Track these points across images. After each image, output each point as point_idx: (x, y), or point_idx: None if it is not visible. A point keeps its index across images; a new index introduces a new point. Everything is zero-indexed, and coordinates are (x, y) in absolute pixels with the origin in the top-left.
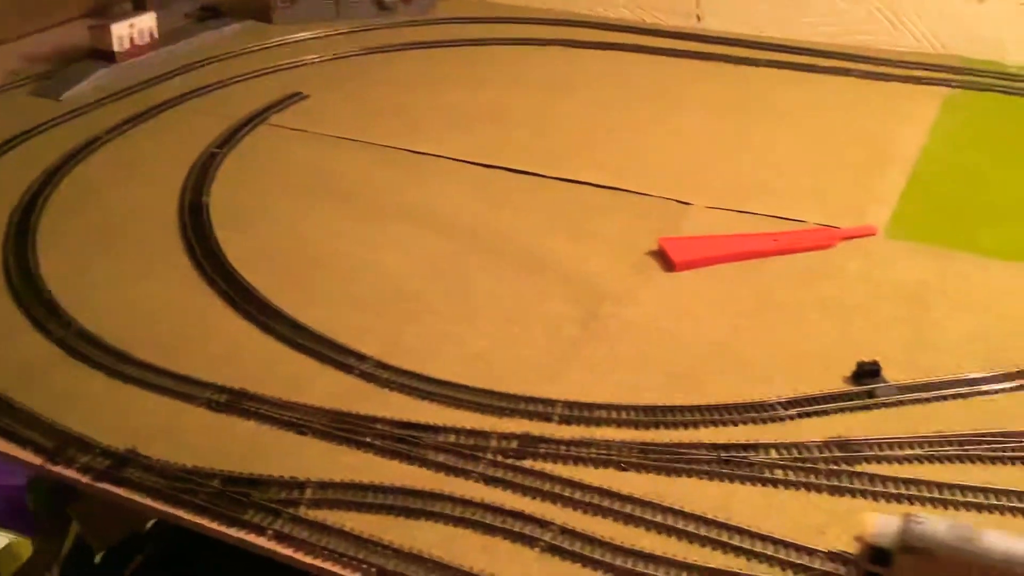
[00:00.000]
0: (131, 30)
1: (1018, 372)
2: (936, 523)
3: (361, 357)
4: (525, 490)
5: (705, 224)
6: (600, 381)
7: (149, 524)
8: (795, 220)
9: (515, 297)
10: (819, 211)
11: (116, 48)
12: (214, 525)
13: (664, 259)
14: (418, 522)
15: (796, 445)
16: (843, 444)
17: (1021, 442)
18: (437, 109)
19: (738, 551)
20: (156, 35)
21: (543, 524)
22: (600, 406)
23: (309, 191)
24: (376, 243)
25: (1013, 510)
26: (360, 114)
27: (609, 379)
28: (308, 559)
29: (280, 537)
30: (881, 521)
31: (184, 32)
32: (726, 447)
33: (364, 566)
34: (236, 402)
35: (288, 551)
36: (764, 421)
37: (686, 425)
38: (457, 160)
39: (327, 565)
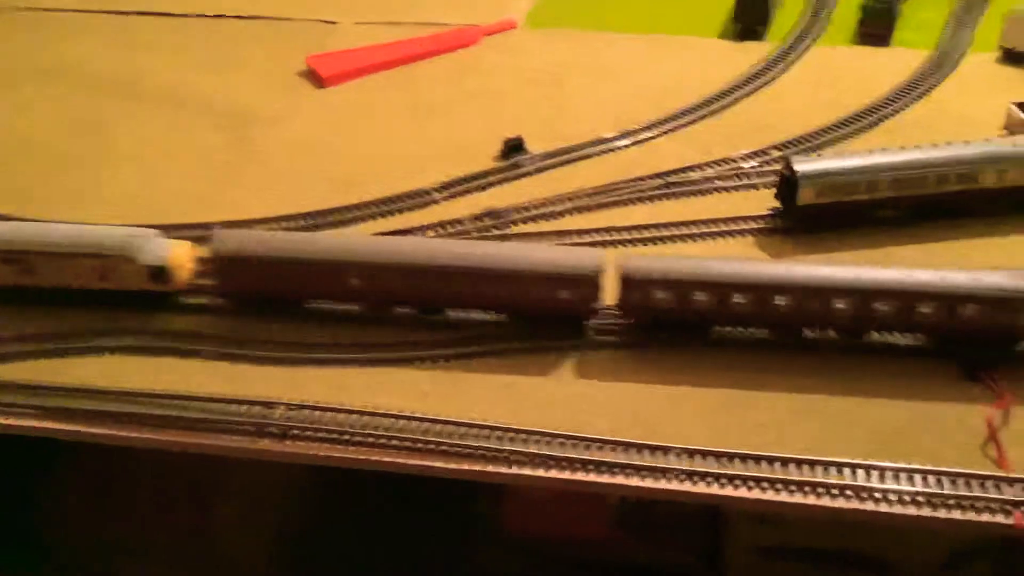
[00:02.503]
0: None
1: (641, 128)
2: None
3: None
4: (187, 309)
5: (354, 40)
6: (258, 198)
7: None
8: (440, 24)
9: (162, 136)
10: (461, 13)
11: None
12: None
13: (314, 77)
14: (75, 359)
15: (451, 222)
16: (494, 213)
17: (645, 182)
18: None
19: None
20: None
21: (204, 337)
22: (257, 220)
23: None
24: (2, 109)
25: (634, 240)
26: None
27: (268, 195)
28: None
29: None
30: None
31: None
32: (384, 235)
33: (24, 410)
34: None
35: None
36: (420, 207)
37: (345, 223)
38: (84, 11)
39: None
